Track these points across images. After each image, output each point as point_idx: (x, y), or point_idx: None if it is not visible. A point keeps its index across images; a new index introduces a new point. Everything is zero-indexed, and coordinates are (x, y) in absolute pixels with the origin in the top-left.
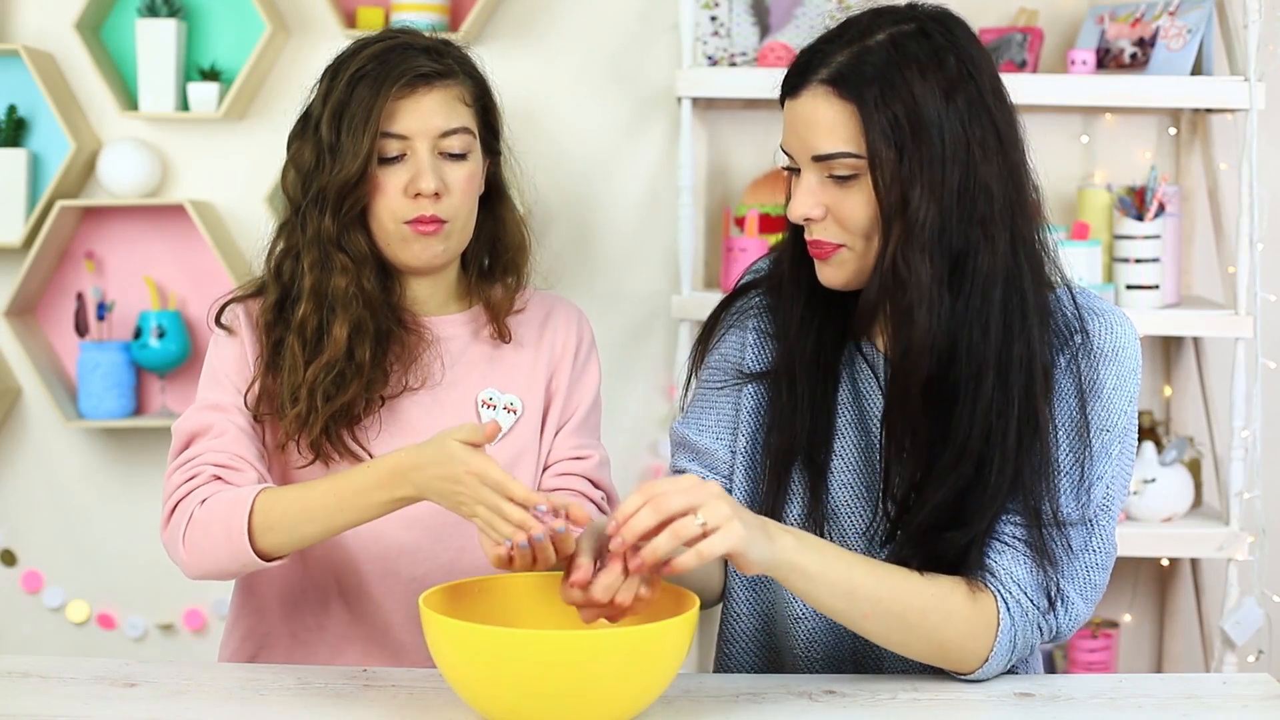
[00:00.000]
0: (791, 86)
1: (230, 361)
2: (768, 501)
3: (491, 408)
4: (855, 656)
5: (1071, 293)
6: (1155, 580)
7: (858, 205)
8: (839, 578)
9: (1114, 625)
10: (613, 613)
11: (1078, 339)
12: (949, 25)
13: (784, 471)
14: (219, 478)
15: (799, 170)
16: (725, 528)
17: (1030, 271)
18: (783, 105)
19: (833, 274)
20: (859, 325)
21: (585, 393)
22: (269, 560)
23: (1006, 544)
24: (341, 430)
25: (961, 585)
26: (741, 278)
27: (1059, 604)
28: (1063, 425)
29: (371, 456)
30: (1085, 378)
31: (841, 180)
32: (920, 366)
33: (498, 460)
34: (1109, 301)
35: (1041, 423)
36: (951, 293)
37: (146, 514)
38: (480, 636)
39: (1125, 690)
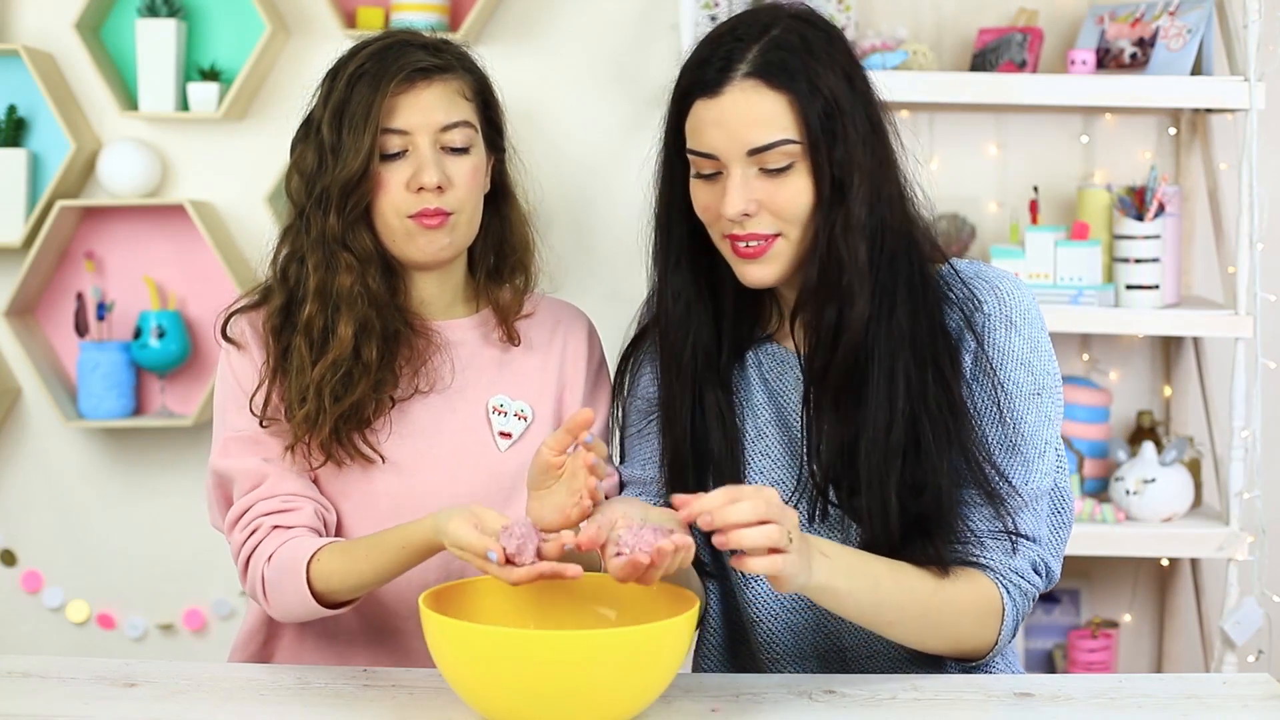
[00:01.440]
0: (711, 85)
1: (247, 378)
2: None
3: (502, 414)
4: (818, 653)
5: (954, 267)
6: (1155, 580)
7: (796, 193)
8: (866, 592)
9: (1114, 625)
10: (648, 569)
11: (979, 318)
12: (819, 16)
13: (679, 484)
14: (278, 526)
15: (713, 174)
16: (789, 557)
17: (922, 246)
18: (687, 109)
19: (764, 272)
20: (793, 318)
21: (601, 408)
22: (343, 606)
23: (990, 539)
24: (352, 432)
25: (968, 580)
26: (642, 319)
27: (1042, 573)
28: (990, 402)
29: (383, 459)
30: (1000, 350)
31: (774, 172)
32: (856, 341)
33: (511, 465)
34: (1000, 269)
35: (950, 382)
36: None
37: (146, 514)
38: (480, 636)
39: (1125, 690)
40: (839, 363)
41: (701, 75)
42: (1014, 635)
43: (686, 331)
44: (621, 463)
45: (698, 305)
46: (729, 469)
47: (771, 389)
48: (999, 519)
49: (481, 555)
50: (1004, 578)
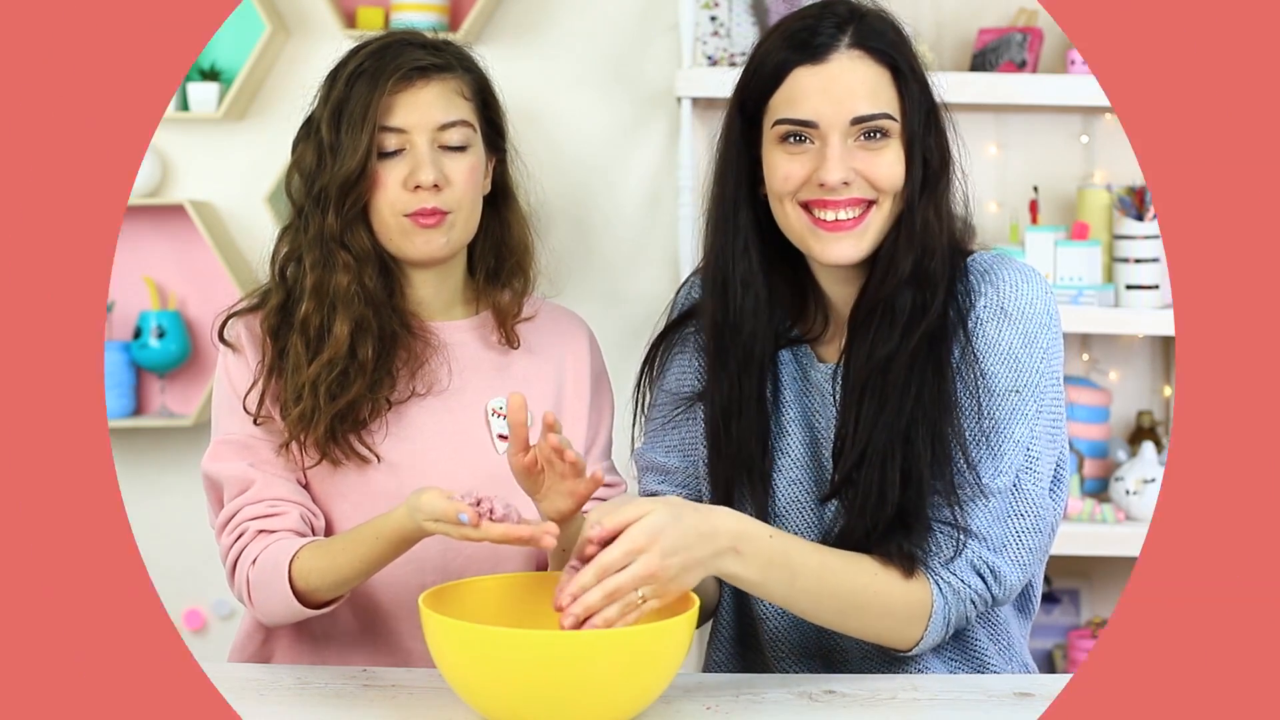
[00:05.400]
0: (817, 52)
1: (241, 382)
2: None
3: (501, 417)
4: (822, 652)
5: (969, 262)
6: None
7: (890, 164)
8: (779, 585)
9: None
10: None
11: (972, 314)
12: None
13: (734, 482)
14: (263, 531)
15: (802, 143)
16: (665, 594)
17: (962, 241)
18: (783, 77)
19: (853, 246)
20: (824, 319)
21: (605, 417)
22: (326, 606)
23: (934, 528)
24: (348, 433)
25: (897, 576)
26: (677, 306)
27: (988, 578)
28: (970, 396)
29: (379, 458)
30: (988, 342)
31: (871, 143)
32: (932, 328)
33: (509, 468)
34: (1019, 261)
35: (946, 373)
36: None
37: (146, 514)
38: (480, 636)
39: None
40: (909, 352)
41: (804, 42)
42: (945, 633)
43: (756, 322)
44: (644, 448)
45: (764, 295)
46: (757, 467)
47: (801, 386)
48: (948, 508)
49: (453, 519)
50: (936, 573)
